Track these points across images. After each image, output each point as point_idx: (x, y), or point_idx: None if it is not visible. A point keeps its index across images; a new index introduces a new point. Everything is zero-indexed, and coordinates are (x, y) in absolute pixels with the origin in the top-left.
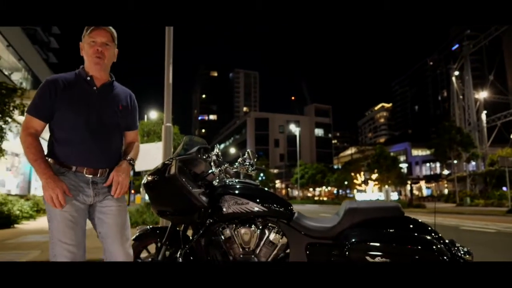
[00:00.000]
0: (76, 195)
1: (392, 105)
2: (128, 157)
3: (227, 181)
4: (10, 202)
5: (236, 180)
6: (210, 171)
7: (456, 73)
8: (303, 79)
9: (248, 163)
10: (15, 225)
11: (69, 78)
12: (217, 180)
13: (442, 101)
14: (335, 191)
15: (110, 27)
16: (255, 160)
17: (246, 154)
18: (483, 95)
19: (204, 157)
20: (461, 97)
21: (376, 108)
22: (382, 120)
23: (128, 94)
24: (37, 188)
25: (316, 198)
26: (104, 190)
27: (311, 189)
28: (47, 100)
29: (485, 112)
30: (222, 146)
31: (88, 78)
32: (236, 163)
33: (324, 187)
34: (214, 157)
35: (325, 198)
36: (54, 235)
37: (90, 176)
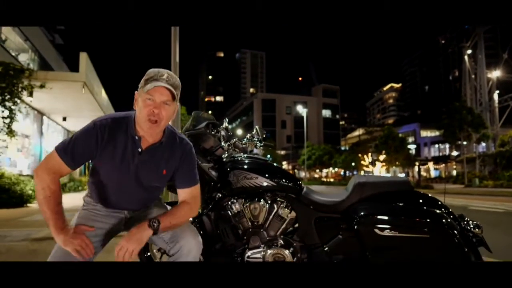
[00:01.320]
0: (104, 222)
1: (401, 85)
2: (154, 216)
3: (236, 156)
4: (22, 182)
5: (245, 155)
6: (219, 145)
7: (469, 51)
8: (311, 59)
9: (256, 139)
10: (28, 204)
11: (118, 126)
12: (226, 155)
13: (453, 81)
14: (342, 173)
15: (174, 82)
16: (264, 136)
17: (255, 131)
18: (496, 74)
19: (212, 132)
20: (473, 76)
21: (385, 88)
22: (391, 100)
23: (182, 152)
24: None
25: (323, 180)
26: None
27: (318, 171)
28: (89, 149)
29: (497, 92)
30: (229, 128)
31: (136, 137)
32: (245, 139)
33: (331, 169)
34: (223, 132)
35: (332, 180)
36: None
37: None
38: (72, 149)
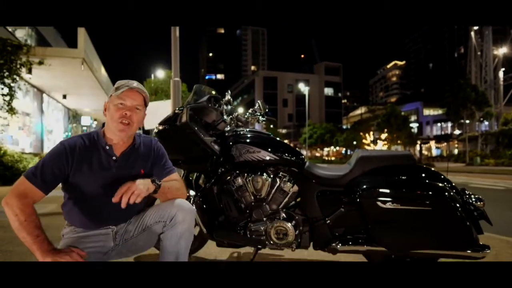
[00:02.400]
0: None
1: (405, 63)
2: (155, 178)
3: (239, 130)
4: (25, 159)
5: (247, 129)
6: (221, 119)
7: (476, 27)
8: (313, 36)
9: (258, 114)
10: None
11: (87, 144)
12: (228, 129)
13: (458, 58)
14: (343, 151)
15: (144, 90)
16: (266, 111)
17: (257, 105)
18: (502, 51)
19: (215, 106)
20: (478, 53)
21: (388, 66)
22: (394, 78)
23: (151, 149)
24: (50, 148)
25: (324, 158)
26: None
27: (319, 149)
28: (59, 170)
29: (503, 69)
30: (229, 108)
31: (107, 147)
32: (247, 114)
33: (332, 147)
34: (225, 106)
35: (333, 158)
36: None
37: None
38: (42, 172)
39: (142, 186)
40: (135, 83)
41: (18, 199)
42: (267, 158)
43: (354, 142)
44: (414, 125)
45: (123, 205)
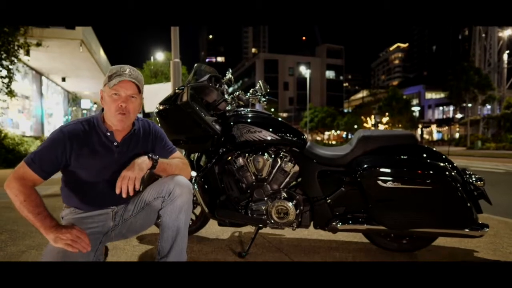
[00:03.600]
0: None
1: (408, 45)
2: (151, 154)
3: (240, 110)
4: (26, 142)
5: (249, 109)
6: (222, 99)
7: None
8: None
9: (260, 94)
10: None
11: (87, 130)
12: (229, 109)
13: (462, 40)
14: (344, 135)
15: (137, 76)
16: (267, 91)
17: (258, 85)
18: (507, 33)
19: (215, 86)
20: (483, 35)
21: (391, 48)
22: (396, 61)
23: (150, 131)
24: (50, 131)
25: (325, 142)
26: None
27: (320, 133)
28: (57, 158)
29: (507, 52)
30: (231, 89)
31: (108, 134)
32: (248, 94)
33: (333, 131)
34: (225, 85)
35: (333, 142)
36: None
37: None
38: (40, 159)
39: (137, 167)
40: (127, 70)
41: (17, 181)
42: (268, 138)
43: (355, 126)
44: (416, 109)
45: (124, 195)
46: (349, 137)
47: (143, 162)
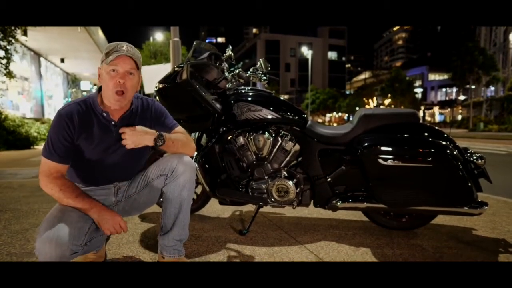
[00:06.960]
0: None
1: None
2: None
3: (240, 89)
4: (26, 124)
5: (249, 88)
6: (222, 77)
7: None
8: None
9: (260, 73)
10: (35, 146)
11: (84, 110)
12: (230, 86)
13: None
14: (345, 117)
15: (135, 52)
16: (268, 69)
17: (258, 64)
18: None
19: (216, 64)
20: None
21: (395, 29)
22: (400, 42)
23: (149, 109)
24: (51, 114)
25: (326, 124)
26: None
27: (321, 115)
28: (66, 140)
29: None
30: (233, 56)
31: (104, 114)
32: (249, 72)
33: (334, 113)
34: (225, 63)
35: (335, 124)
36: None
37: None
38: (53, 147)
39: (144, 133)
40: (124, 46)
41: (46, 177)
42: (269, 116)
43: (357, 108)
44: (419, 90)
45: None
46: (351, 118)
47: (148, 131)
